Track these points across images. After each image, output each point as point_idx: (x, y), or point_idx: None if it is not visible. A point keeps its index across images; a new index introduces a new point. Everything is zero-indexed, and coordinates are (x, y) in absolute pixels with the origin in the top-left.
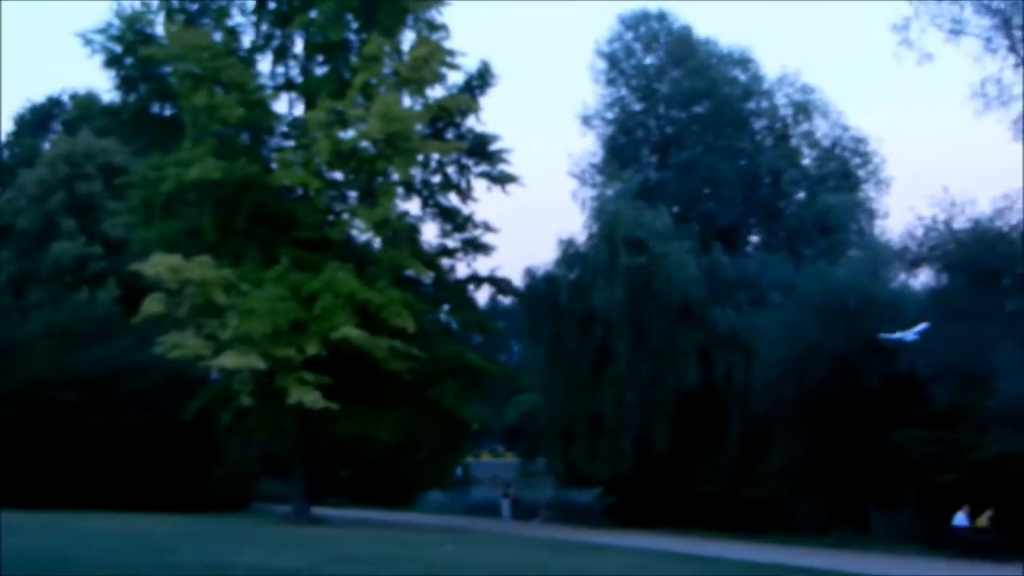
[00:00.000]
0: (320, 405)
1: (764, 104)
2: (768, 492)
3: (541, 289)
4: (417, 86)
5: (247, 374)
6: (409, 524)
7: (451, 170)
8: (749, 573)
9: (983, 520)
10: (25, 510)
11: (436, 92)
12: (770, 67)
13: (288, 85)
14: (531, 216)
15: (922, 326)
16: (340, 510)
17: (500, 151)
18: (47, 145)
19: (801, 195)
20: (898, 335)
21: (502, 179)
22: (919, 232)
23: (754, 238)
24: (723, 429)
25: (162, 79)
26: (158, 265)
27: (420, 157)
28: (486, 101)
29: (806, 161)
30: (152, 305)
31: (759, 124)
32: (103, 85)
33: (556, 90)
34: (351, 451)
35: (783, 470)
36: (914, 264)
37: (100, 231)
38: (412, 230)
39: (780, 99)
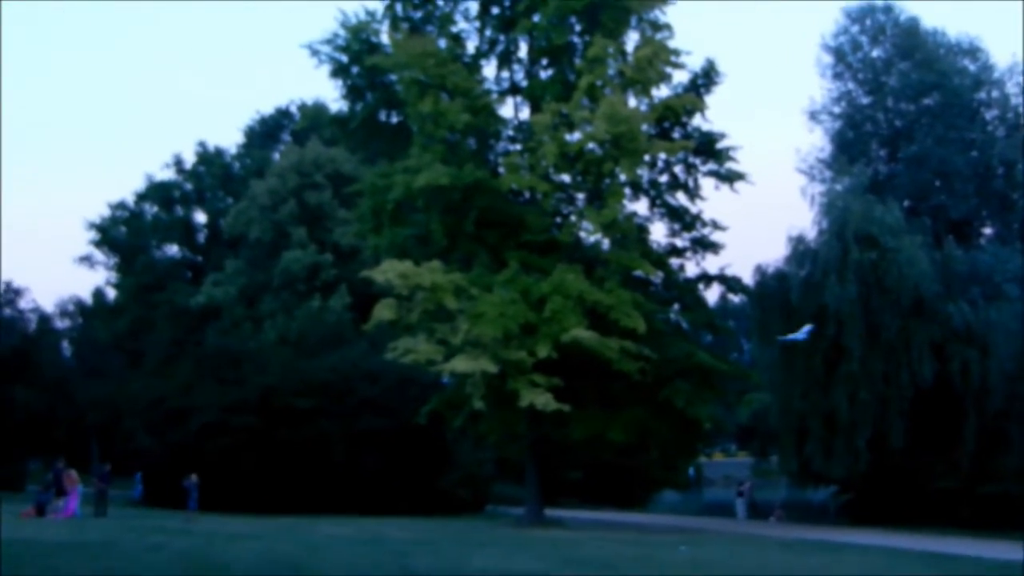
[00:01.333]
0: (552, 407)
1: (995, 94)
2: (1007, 489)
3: (771, 287)
4: (642, 86)
5: (479, 378)
6: (642, 525)
7: (678, 169)
8: (999, 573)
9: None
10: (261, 515)
11: (661, 92)
12: (1000, 56)
13: (513, 89)
14: (759, 213)
15: (807, 328)
16: (573, 512)
17: (727, 149)
18: (277, 156)
19: None
20: (791, 336)
21: (730, 177)
22: None
23: (987, 230)
24: (959, 425)
25: (388, 87)
26: (388, 271)
27: (647, 157)
28: (712, 99)
29: None
30: (383, 311)
31: (990, 114)
32: (330, 95)
33: (782, 85)
34: (583, 453)
35: (1022, 467)
36: None
37: (330, 239)
38: (640, 230)
39: (1011, 88)
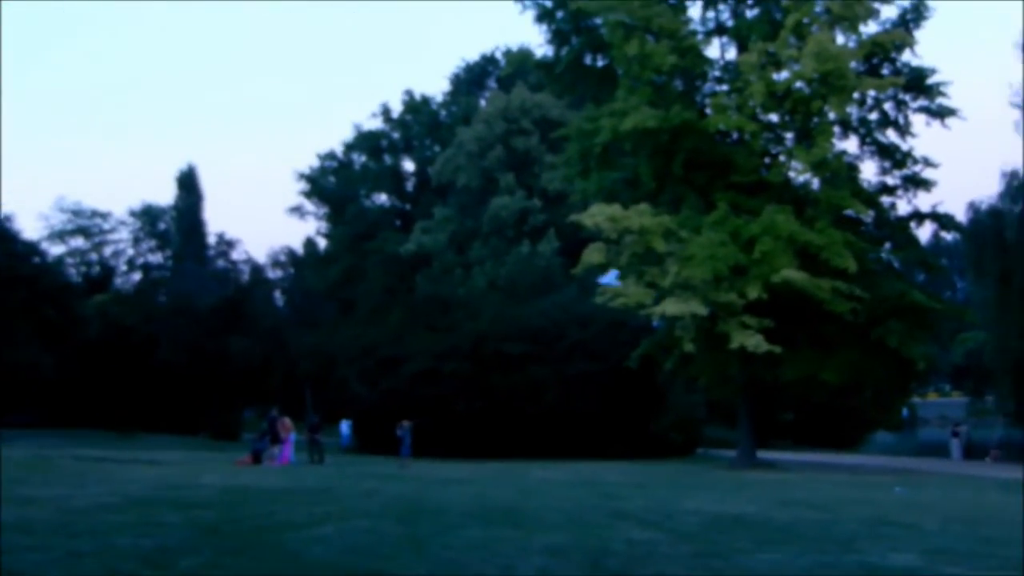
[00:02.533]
0: (763, 349)
1: None
2: None
3: (985, 223)
4: (849, 23)
5: (689, 320)
6: (856, 466)
7: (888, 106)
8: None
9: None
10: (473, 461)
11: (869, 28)
12: None
13: (719, 30)
14: (971, 149)
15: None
16: (785, 454)
17: (938, 84)
18: (483, 103)
19: None
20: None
21: (941, 113)
22: None
23: None
24: None
25: (593, 31)
26: (597, 215)
27: (856, 95)
28: (921, 34)
29: None
30: (593, 255)
31: None
32: (535, 40)
33: (993, 17)
34: (795, 394)
35: None
36: None
37: (538, 185)
38: (850, 169)
39: None
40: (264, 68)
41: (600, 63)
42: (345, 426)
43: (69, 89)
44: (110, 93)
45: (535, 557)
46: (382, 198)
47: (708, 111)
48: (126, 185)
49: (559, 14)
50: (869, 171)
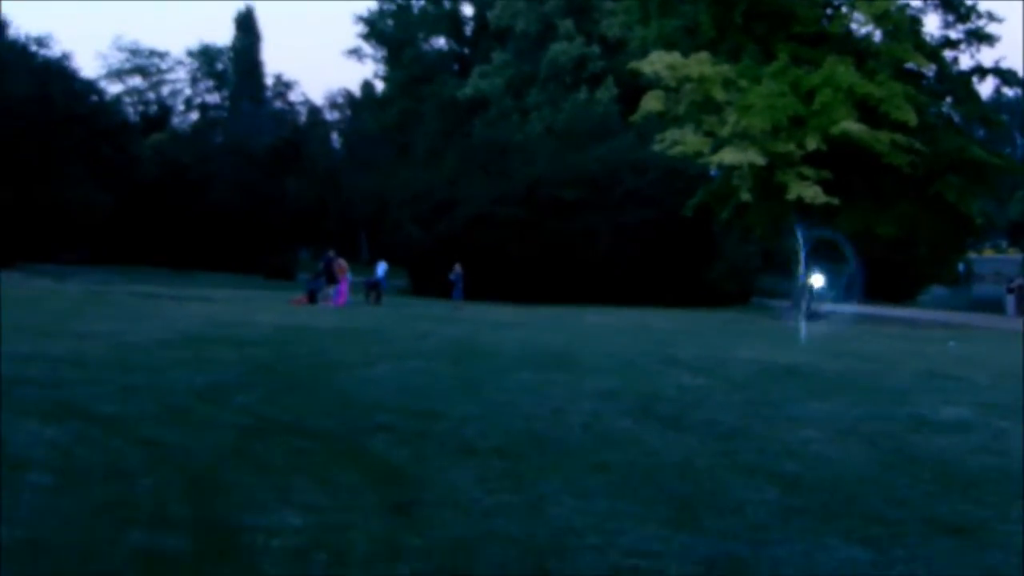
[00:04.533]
0: (820, 200)
1: None
2: None
3: None
4: None
5: (746, 170)
6: (911, 320)
7: None
8: None
9: None
10: (525, 305)
11: None
12: None
13: None
14: None
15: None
16: (839, 305)
17: None
18: None
19: None
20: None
21: None
22: None
23: None
24: None
25: None
26: (656, 63)
27: None
28: None
29: None
30: (651, 103)
31: None
32: None
33: None
34: (851, 246)
35: None
36: None
37: (597, 31)
38: (913, 22)
39: None
40: None
41: None
42: (381, 268)
43: None
44: None
45: (586, 401)
46: (440, 42)
47: None
48: (184, 25)
49: None
50: (932, 24)
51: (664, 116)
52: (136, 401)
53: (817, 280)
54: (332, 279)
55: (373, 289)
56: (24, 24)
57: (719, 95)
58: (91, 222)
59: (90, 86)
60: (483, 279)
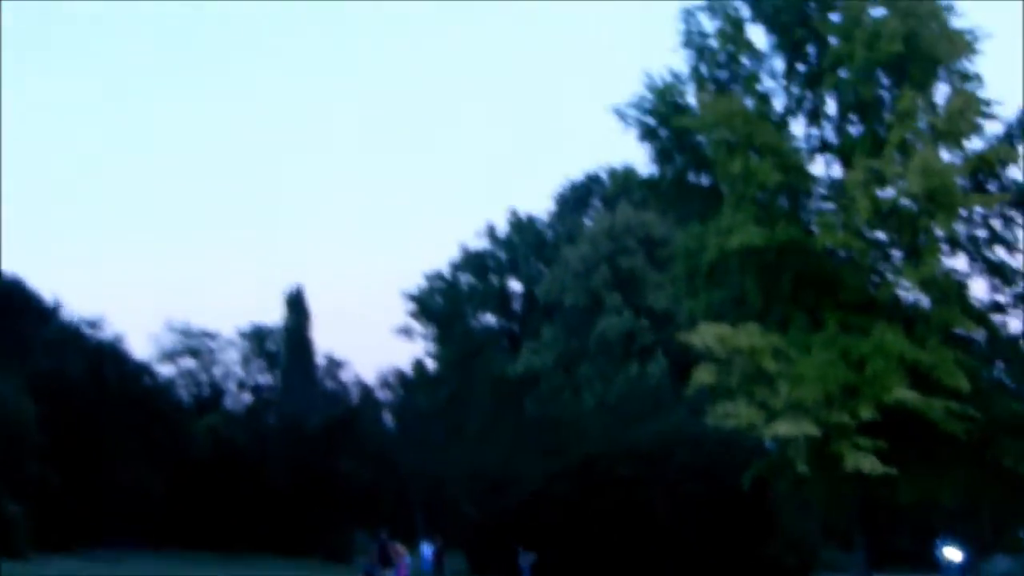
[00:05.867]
0: (879, 470)
1: None
2: None
3: None
4: (954, 139)
5: (801, 441)
6: None
7: (996, 222)
8: None
9: None
10: None
11: (973, 143)
12: None
13: (823, 147)
14: None
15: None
16: None
17: None
18: (588, 221)
19: None
20: None
21: None
22: None
23: None
24: None
25: (696, 148)
26: (706, 335)
27: (963, 211)
28: None
29: None
30: (703, 375)
31: None
32: (635, 158)
33: None
34: (912, 517)
35: None
36: None
37: (644, 304)
38: (960, 286)
39: None
40: (368, 186)
41: (704, 181)
42: (427, 549)
43: (181, 210)
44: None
45: None
46: (489, 318)
47: (814, 228)
48: (235, 303)
49: (663, 132)
50: (979, 288)
51: (716, 388)
52: None
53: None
54: (387, 562)
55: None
56: (78, 305)
57: (770, 366)
58: (146, 505)
59: (143, 368)
60: (543, 556)
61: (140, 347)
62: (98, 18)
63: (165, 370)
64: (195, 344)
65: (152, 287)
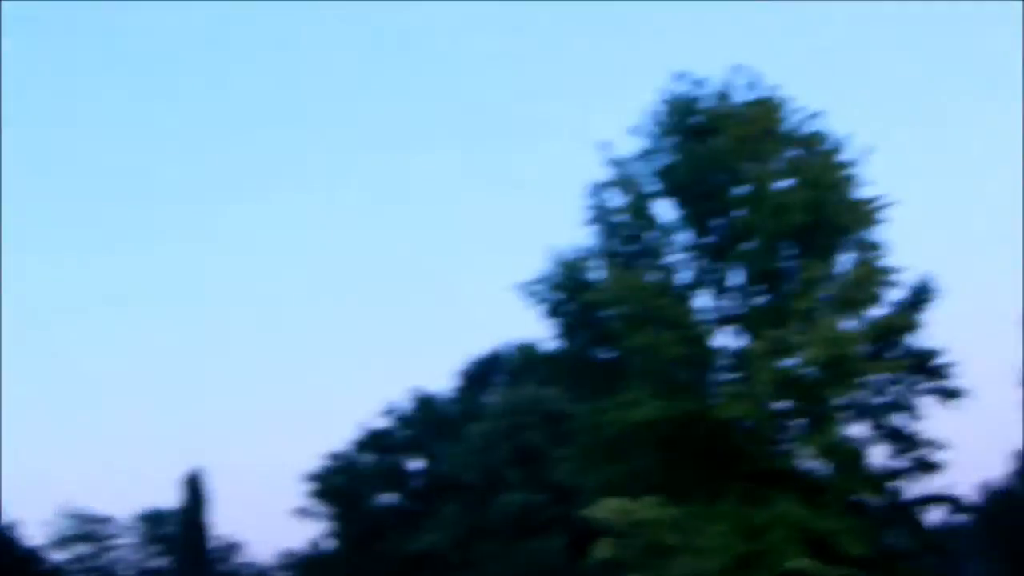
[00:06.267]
0: None
1: None
2: None
3: (998, 504)
4: (856, 307)
5: None
6: None
7: (896, 389)
8: None
9: None
10: None
11: (876, 309)
12: None
13: (728, 318)
14: (983, 426)
15: None
16: None
17: (945, 365)
18: (490, 397)
19: None
20: None
21: (949, 394)
22: None
23: None
24: None
25: (600, 323)
26: (605, 508)
27: (864, 379)
28: (928, 315)
29: None
30: (602, 549)
31: None
32: (539, 333)
33: (998, 293)
34: None
35: None
36: None
37: (546, 478)
38: (859, 454)
39: None
40: (264, 367)
41: (607, 355)
42: None
43: (72, 397)
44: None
45: None
46: (390, 496)
47: (716, 400)
48: (129, 486)
49: (568, 307)
50: (877, 454)
51: (616, 562)
52: None
53: None
54: None
55: None
56: None
57: (668, 539)
58: None
59: (34, 554)
60: None
61: (33, 533)
62: None
63: (58, 556)
64: (90, 529)
65: (48, 475)
